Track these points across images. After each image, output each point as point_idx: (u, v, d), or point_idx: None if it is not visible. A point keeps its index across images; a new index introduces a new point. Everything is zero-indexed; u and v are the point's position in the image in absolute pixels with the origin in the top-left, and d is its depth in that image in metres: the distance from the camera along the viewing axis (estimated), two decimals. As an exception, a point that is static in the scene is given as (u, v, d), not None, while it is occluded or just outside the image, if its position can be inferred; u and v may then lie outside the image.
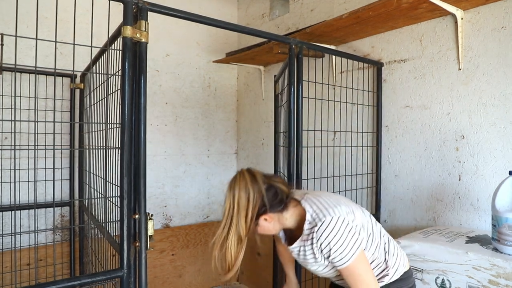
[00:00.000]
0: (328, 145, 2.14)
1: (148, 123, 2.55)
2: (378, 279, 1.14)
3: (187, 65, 2.86)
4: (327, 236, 1.03)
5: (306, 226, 1.09)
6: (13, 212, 2.05)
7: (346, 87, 2.04)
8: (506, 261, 1.13)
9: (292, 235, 1.19)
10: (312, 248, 1.07)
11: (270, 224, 1.11)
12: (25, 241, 2.10)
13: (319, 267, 1.13)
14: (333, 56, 2.20)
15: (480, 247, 1.26)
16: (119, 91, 1.16)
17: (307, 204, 1.12)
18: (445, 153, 1.74)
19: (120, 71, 1.12)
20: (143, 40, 1.12)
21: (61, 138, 2.29)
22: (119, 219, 1.13)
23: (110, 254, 1.47)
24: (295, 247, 1.13)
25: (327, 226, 1.03)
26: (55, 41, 1.12)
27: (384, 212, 2.02)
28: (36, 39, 1.06)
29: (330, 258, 1.04)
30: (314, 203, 1.11)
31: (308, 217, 1.09)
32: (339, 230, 1.03)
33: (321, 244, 1.04)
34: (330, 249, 1.03)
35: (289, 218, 1.14)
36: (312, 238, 1.06)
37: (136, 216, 1.12)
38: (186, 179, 2.86)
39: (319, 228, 1.04)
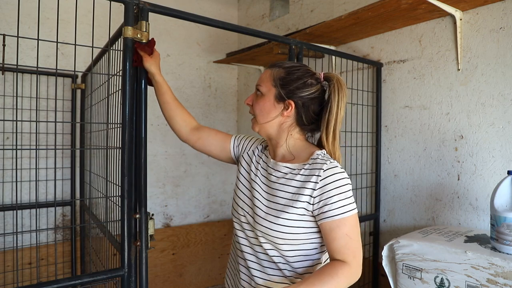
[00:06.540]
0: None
1: (148, 123, 2.55)
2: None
3: (188, 66, 2.87)
4: (337, 173, 0.96)
5: (318, 154, 1.01)
6: (14, 211, 2.06)
7: (346, 88, 2.04)
8: (505, 260, 1.14)
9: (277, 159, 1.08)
10: (309, 177, 0.96)
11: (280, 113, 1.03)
12: (27, 240, 2.12)
13: (281, 206, 0.98)
14: (333, 57, 2.20)
15: (478, 246, 1.27)
16: (120, 91, 1.17)
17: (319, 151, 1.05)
18: (444, 153, 1.75)
19: (121, 71, 1.13)
20: (144, 41, 1.13)
21: (62, 138, 2.30)
22: (120, 218, 1.14)
23: (111, 254, 1.47)
24: (287, 166, 1.03)
25: (339, 170, 0.97)
26: (57, 42, 1.12)
27: (383, 212, 2.03)
28: (38, 39, 1.07)
29: (327, 198, 0.93)
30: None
31: (318, 151, 1.02)
32: (346, 181, 0.97)
33: (328, 176, 0.95)
34: (335, 187, 0.94)
35: (294, 136, 1.07)
36: (319, 167, 0.97)
37: (137, 216, 1.13)
38: (187, 178, 2.87)
39: (332, 163, 0.97)
